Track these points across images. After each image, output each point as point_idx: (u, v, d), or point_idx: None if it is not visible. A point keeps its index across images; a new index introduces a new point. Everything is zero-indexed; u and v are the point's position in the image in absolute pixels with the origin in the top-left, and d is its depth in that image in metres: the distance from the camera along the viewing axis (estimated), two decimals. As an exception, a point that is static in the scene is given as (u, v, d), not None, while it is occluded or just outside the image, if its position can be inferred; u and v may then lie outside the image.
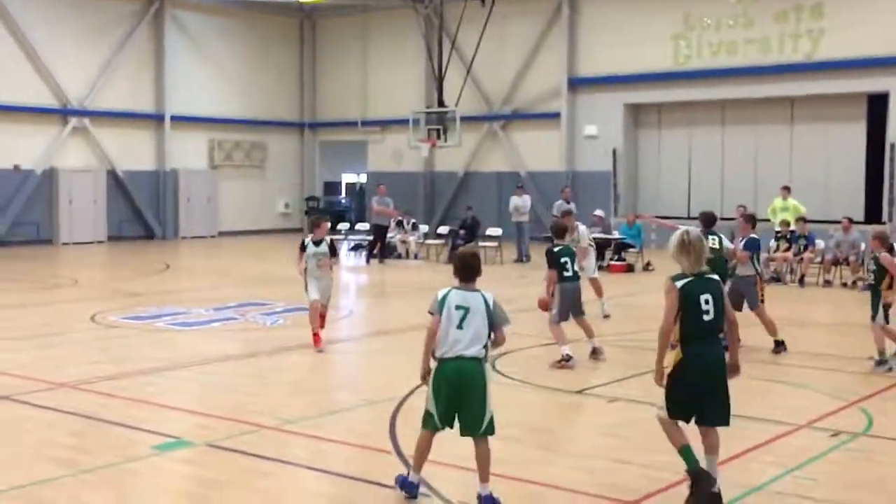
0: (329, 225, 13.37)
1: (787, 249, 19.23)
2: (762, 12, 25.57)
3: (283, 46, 34.68)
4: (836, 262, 19.08)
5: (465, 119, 28.09)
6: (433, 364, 5.99)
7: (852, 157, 25.33)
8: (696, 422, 6.06)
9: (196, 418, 8.26)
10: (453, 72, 28.82)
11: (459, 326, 5.87)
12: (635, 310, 14.99)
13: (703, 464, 6.00)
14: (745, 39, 25.92)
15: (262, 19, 33.65)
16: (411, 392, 9.02)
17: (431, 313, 6.02)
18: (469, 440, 5.97)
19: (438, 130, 27.57)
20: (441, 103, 28.30)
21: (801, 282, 18.82)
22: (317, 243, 11.48)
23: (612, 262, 21.46)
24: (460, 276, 6.12)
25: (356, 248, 25.99)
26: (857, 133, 25.37)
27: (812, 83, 24.96)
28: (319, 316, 11.52)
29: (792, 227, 19.47)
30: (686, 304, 5.93)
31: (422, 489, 6.20)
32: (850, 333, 11.73)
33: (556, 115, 29.13)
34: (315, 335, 11.44)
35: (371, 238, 24.00)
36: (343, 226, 28.32)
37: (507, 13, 28.90)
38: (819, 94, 25.16)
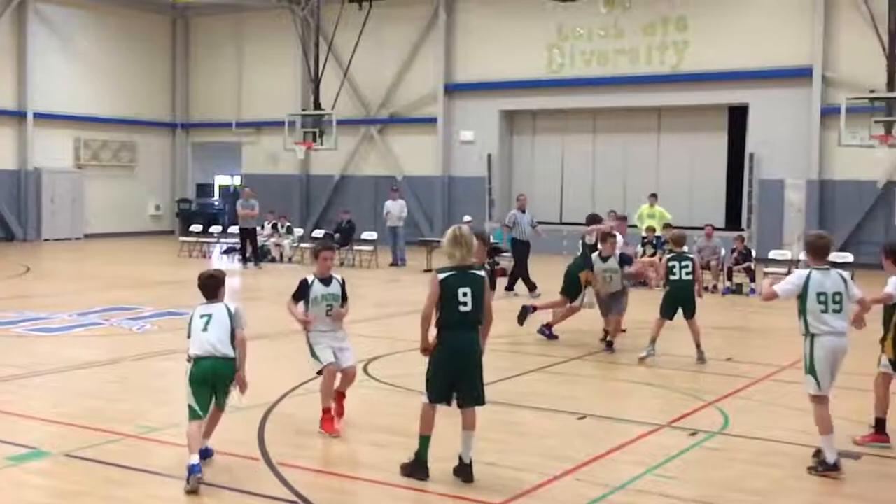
0: (335, 256, 8.81)
1: (653, 255, 19.83)
2: (632, 24, 26.36)
3: (155, 44, 33.79)
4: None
5: (341, 122, 28.00)
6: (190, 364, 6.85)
7: (715, 166, 26.40)
8: (457, 404, 6.65)
9: (53, 427, 7.94)
10: (330, 75, 28.67)
11: (204, 329, 6.78)
12: (510, 314, 15.10)
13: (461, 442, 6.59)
14: (616, 50, 26.68)
15: (132, 16, 32.69)
16: (280, 399, 8.92)
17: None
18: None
19: (314, 133, 27.38)
20: (317, 106, 28.10)
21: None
22: (325, 282, 7.99)
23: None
24: (203, 294, 6.96)
25: (229, 251, 25.59)
26: (719, 143, 26.44)
27: (678, 94, 25.90)
28: (336, 390, 8.08)
29: (658, 233, 20.11)
30: (445, 294, 6.52)
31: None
32: (709, 335, 12.17)
33: (433, 120, 29.33)
34: (326, 413, 7.88)
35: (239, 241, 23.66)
36: (215, 228, 27.78)
37: (384, 17, 28.94)
38: (684, 104, 26.13)
